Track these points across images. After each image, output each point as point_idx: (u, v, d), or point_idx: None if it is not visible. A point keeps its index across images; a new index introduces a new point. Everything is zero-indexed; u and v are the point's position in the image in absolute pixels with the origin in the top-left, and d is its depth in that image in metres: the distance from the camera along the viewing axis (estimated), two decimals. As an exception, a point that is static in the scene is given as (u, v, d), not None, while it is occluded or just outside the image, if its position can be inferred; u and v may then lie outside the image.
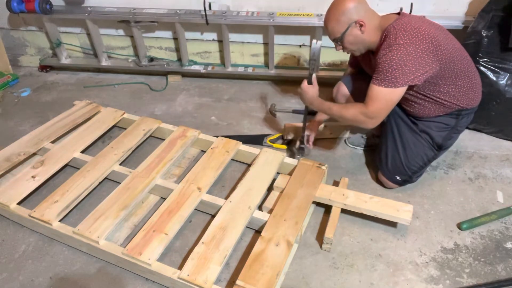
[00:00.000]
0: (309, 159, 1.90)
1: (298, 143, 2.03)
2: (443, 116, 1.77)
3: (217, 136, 2.12)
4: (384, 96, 1.56)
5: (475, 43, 2.06)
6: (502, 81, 2.02)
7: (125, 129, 2.23)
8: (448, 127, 1.79)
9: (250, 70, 2.81)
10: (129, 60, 2.98)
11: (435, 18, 1.90)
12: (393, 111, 1.72)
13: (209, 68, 2.85)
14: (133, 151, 2.09)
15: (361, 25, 1.58)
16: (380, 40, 1.61)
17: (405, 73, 1.52)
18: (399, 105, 1.77)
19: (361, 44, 1.66)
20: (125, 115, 2.34)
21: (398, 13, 1.65)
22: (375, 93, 1.57)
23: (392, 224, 1.71)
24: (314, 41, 1.73)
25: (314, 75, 1.77)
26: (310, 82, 1.78)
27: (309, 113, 1.95)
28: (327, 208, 1.78)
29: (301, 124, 2.18)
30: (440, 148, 1.82)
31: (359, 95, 1.79)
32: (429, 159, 1.84)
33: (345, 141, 2.20)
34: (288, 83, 2.82)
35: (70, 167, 2.06)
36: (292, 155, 2.11)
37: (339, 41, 1.65)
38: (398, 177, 1.84)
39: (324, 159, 2.08)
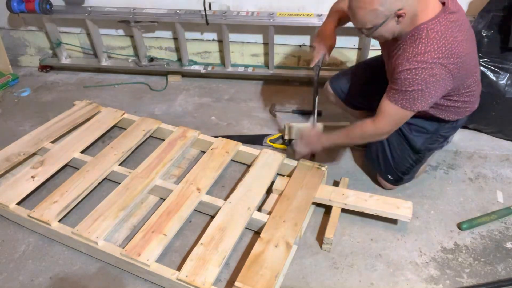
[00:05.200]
0: (308, 160, 1.90)
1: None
2: (423, 119, 1.69)
3: (217, 137, 2.12)
4: (397, 115, 1.49)
5: (475, 43, 2.05)
6: (502, 81, 2.01)
7: (125, 129, 2.22)
8: (427, 132, 1.72)
9: (250, 70, 2.80)
10: (129, 60, 2.97)
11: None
12: None
13: (209, 68, 2.84)
14: (133, 152, 2.09)
15: (399, 16, 1.33)
16: (410, 34, 1.41)
17: (424, 96, 1.41)
18: None
19: (391, 34, 1.43)
20: (125, 115, 2.34)
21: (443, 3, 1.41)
22: (388, 110, 1.49)
23: (392, 223, 1.71)
24: (316, 60, 1.73)
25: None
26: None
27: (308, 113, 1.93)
28: (327, 208, 1.78)
29: (300, 124, 2.17)
30: (417, 152, 1.75)
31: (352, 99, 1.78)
32: (414, 161, 1.78)
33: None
34: (288, 83, 2.82)
35: (70, 167, 2.06)
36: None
37: (366, 31, 1.42)
38: (389, 176, 1.84)
39: (324, 159, 2.08)
